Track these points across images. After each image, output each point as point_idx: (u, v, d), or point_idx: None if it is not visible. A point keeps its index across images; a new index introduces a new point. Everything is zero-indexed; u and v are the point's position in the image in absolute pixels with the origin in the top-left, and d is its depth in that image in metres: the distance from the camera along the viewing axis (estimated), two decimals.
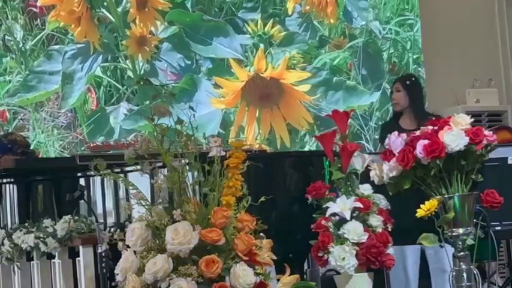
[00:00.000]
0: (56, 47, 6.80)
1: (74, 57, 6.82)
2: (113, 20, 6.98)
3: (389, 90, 6.17)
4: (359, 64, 7.88)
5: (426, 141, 3.58)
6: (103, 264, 4.23)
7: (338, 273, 3.78)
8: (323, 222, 3.78)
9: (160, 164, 3.23)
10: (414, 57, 8.03)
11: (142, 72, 7.06)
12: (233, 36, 7.40)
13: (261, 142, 7.21)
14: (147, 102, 6.91)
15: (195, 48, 7.24)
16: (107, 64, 6.94)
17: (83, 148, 6.71)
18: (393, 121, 5.86)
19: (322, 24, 7.80)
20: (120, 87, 6.97)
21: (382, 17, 8.01)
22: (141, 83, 6.92)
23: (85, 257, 4.62)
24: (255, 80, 7.37)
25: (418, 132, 3.69)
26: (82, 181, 5.13)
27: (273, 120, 7.46)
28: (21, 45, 6.72)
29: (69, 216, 4.76)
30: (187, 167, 3.14)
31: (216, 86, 7.26)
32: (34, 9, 6.76)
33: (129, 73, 7.03)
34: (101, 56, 6.91)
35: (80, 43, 6.84)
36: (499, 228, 3.88)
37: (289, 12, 7.65)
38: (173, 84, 7.14)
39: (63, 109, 6.75)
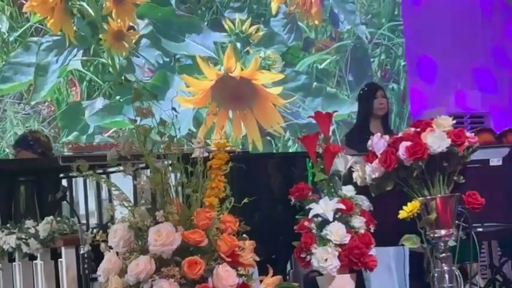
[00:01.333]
0: (35, 38, 6.72)
1: (49, 49, 6.74)
2: (92, 13, 6.89)
3: (367, 94, 6.10)
4: (346, 69, 7.81)
5: (409, 143, 3.59)
6: (85, 266, 4.21)
7: (321, 274, 3.79)
8: (306, 223, 3.79)
9: (143, 165, 3.22)
10: (403, 63, 8.01)
11: (119, 68, 6.97)
12: (207, 33, 7.26)
13: (232, 145, 7.05)
14: (118, 97, 6.85)
15: (166, 44, 7.10)
16: (85, 58, 6.86)
17: (60, 142, 6.64)
18: (364, 127, 5.85)
19: (309, 27, 7.73)
20: (101, 82, 6.91)
21: (376, 22, 7.96)
22: (123, 82, 6.88)
23: (67, 258, 4.60)
24: (225, 80, 7.20)
25: (400, 134, 3.71)
26: (64, 182, 5.12)
27: (245, 122, 7.31)
28: (5, 36, 6.66)
29: (51, 217, 4.73)
30: (170, 168, 3.14)
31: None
32: (24, 1, 6.69)
33: (111, 68, 6.98)
34: (75, 49, 6.81)
35: (56, 35, 6.75)
36: (480, 229, 3.89)
37: (273, 12, 7.56)
38: (144, 81, 7.01)
39: (33, 101, 6.68)
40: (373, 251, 3.82)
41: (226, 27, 7.35)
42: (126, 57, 6.99)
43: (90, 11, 6.89)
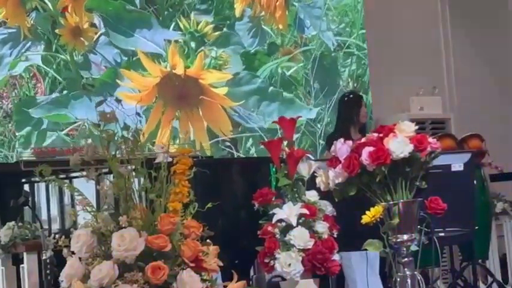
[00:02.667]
0: None
1: (4, 41, 6.58)
2: (51, 8, 6.74)
3: (355, 102, 6.07)
4: (311, 76, 7.66)
5: (371, 148, 3.61)
6: (47, 271, 4.19)
7: (284, 279, 3.80)
8: (269, 228, 3.79)
9: (107, 169, 3.21)
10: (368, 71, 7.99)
11: (75, 64, 6.80)
12: (157, 29, 7.09)
13: (179, 147, 6.75)
14: (65, 92, 6.68)
15: (113, 38, 6.93)
16: (43, 53, 6.69)
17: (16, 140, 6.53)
18: (344, 133, 5.84)
19: (276, 31, 7.62)
20: (61, 79, 6.74)
21: (349, 31, 7.90)
22: (87, 85, 6.80)
23: (29, 263, 4.57)
24: (171, 78, 6.99)
25: (364, 139, 3.73)
26: (26, 187, 5.08)
27: (192, 124, 7.08)
28: None
29: (13, 222, 4.71)
30: (134, 173, 3.13)
31: None
32: None
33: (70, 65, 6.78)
34: (30, 43, 6.65)
35: (11, 28, 6.60)
36: (442, 234, 3.93)
37: (237, 15, 7.46)
38: (93, 77, 6.85)
39: None
40: (336, 256, 3.83)
41: (181, 26, 7.22)
42: (83, 54, 6.84)
43: (49, 4, 6.72)
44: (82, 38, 6.86)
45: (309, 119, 7.62)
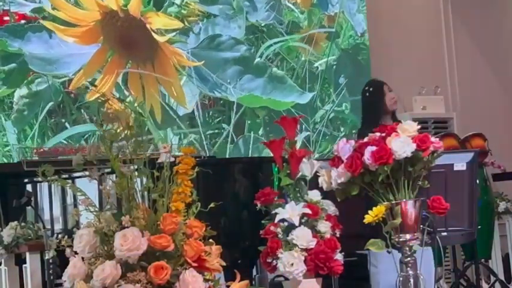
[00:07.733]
0: None
1: None
2: None
3: (376, 94, 5.85)
4: (338, 68, 6.98)
5: (374, 148, 3.61)
6: (50, 271, 4.19)
7: (286, 279, 3.80)
8: (272, 228, 3.79)
9: (109, 169, 3.21)
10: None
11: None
12: None
13: (127, 106, 6.20)
14: (22, 21, 6.01)
15: None
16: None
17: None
18: (375, 125, 5.56)
19: (302, 13, 6.98)
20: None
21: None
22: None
23: (32, 263, 4.57)
24: (114, 16, 5.92)
25: (366, 139, 3.73)
26: (29, 187, 5.09)
27: (143, 80, 6.02)
28: None
29: (15, 222, 4.71)
30: (136, 173, 3.13)
31: None
32: None
33: None
34: None
35: None
36: (445, 234, 3.93)
37: None
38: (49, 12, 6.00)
39: None
40: (339, 255, 3.83)
41: None
42: None
43: None
44: None
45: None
